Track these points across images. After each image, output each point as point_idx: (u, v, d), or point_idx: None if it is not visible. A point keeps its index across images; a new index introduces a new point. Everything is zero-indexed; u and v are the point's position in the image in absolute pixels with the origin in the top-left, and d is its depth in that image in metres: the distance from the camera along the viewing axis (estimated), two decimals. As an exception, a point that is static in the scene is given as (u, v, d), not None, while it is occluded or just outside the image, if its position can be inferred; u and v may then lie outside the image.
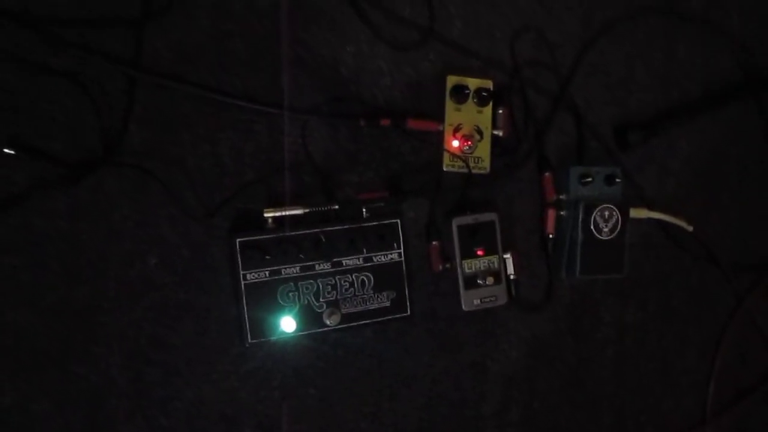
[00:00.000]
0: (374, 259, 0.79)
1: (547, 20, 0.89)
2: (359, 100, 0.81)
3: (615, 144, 0.93)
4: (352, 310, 0.78)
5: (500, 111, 0.84)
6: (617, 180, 0.86)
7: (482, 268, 0.83)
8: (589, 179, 0.85)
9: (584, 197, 0.85)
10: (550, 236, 0.88)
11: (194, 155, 0.76)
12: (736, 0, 0.98)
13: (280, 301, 0.76)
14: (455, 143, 0.82)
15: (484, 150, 0.83)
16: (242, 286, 0.74)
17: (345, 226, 0.78)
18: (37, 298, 0.71)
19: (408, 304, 0.81)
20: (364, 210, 0.79)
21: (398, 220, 0.80)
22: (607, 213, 0.85)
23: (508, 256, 0.84)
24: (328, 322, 0.77)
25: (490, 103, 0.83)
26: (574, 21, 0.90)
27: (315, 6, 0.80)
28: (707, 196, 0.98)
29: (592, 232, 0.85)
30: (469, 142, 0.81)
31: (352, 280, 0.78)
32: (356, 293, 0.78)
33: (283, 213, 0.76)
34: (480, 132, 0.83)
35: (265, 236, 0.75)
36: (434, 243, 0.82)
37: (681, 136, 0.96)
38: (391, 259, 0.80)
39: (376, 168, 0.82)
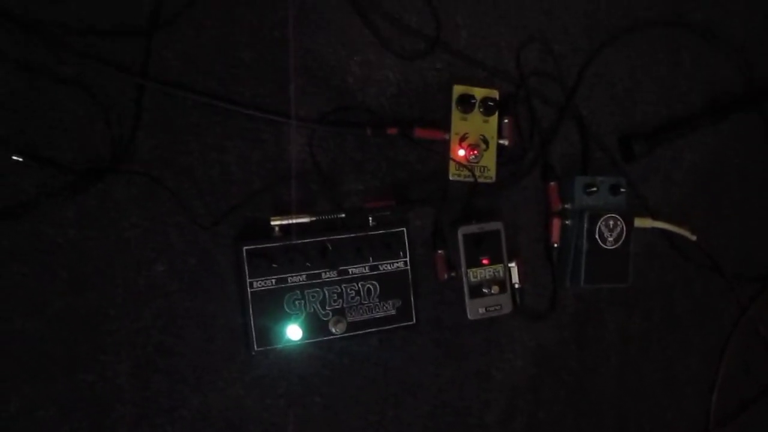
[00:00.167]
0: (380, 268, 0.79)
1: (552, 31, 0.90)
2: (366, 109, 0.81)
3: (619, 154, 0.93)
4: (358, 318, 0.78)
5: (506, 120, 0.84)
6: (622, 190, 0.86)
7: (487, 276, 0.83)
8: (594, 189, 0.85)
9: (589, 207, 0.86)
10: (555, 245, 0.88)
11: (202, 163, 0.76)
12: (740, 12, 0.99)
13: (287, 309, 0.76)
14: (461, 152, 0.83)
15: (490, 159, 0.84)
16: (249, 294, 0.75)
17: (351, 235, 0.78)
18: (45, 306, 0.71)
19: (413, 312, 0.81)
20: (370, 218, 0.79)
21: (404, 229, 0.80)
22: (611, 222, 0.85)
23: (513, 265, 0.85)
24: (334, 331, 0.77)
25: (496, 113, 0.83)
26: (579, 32, 0.91)
27: (322, 15, 0.80)
28: (711, 206, 0.99)
29: (597, 241, 0.85)
30: (475, 152, 0.82)
31: (358, 288, 0.78)
32: (362, 301, 0.79)
33: (290, 221, 0.76)
34: (486, 141, 0.83)
35: (271, 244, 0.75)
36: (440, 252, 0.83)
37: (685, 147, 0.97)
38: (397, 267, 0.80)
39: (382, 177, 0.82)
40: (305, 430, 0.80)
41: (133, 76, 0.73)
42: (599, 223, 0.85)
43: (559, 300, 0.90)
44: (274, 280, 0.75)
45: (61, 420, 0.71)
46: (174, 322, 0.75)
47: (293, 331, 0.76)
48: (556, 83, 0.90)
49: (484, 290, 0.82)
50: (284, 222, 0.76)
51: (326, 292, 0.77)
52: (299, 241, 0.76)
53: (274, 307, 0.75)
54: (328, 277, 0.77)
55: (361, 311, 0.78)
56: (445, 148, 0.83)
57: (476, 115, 0.83)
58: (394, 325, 0.80)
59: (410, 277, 0.80)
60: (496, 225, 0.83)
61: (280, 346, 0.76)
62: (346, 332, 0.77)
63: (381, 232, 0.79)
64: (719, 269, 0.97)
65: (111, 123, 0.73)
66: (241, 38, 0.77)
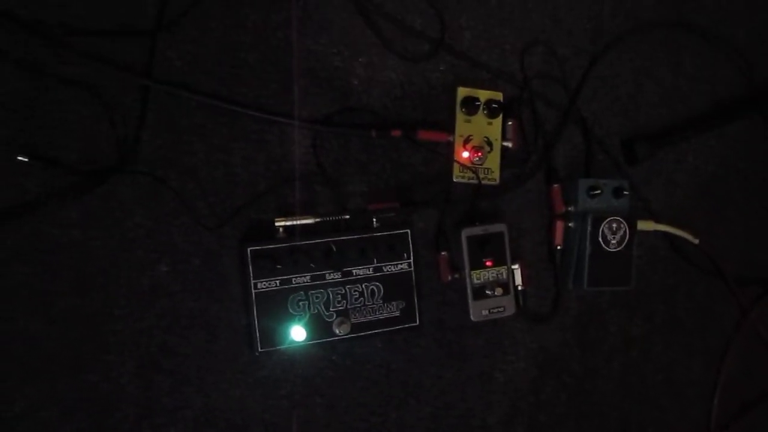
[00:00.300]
0: (384, 269, 0.79)
1: (556, 34, 0.90)
2: (370, 111, 0.82)
3: (623, 157, 0.93)
4: (362, 319, 0.78)
5: (510, 123, 0.84)
6: (625, 192, 0.87)
7: (491, 278, 0.83)
8: (598, 191, 0.86)
9: (592, 209, 0.86)
10: (558, 248, 0.88)
11: (206, 164, 0.76)
12: (743, 15, 1.00)
13: (291, 310, 0.76)
14: (465, 154, 0.83)
15: (493, 161, 0.84)
16: (253, 294, 0.75)
17: (355, 236, 0.78)
18: (48, 306, 0.71)
19: (417, 314, 0.81)
20: (374, 220, 0.79)
21: (408, 231, 0.81)
22: (615, 225, 0.85)
23: (516, 267, 0.85)
24: (337, 332, 0.77)
25: (500, 115, 0.84)
26: (582, 35, 0.91)
27: (326, 17, 0.80)
28: (713, 209, 0.99)
29: (600, 244, 0.85)
30: (479, 154, 0.82)
31: (362, 289, 0.79)
32: (366, 303, 0.79)
33: (294, 222, 0.76)
34: (490, 143, 0.83)
35: (276, 245, 0.75)
36: (443, 253, 0.83)
37: (688, 150, 0.97)
38: (401, 269, 0.80)
39: (386, 178, 0.82)
40: (308, 431, 0.80)
41: (137, 76, 0.73)
42: (602, 226, 0.85)
43: (561, 302, 0.90)
44: (278, 281, 0.76)
45: (64, 420, 0.71)
46: (178, 322, 0.75)
47: (297, 332, 0.76)
48: (559, 86, 0.90)
49: (487, 292, 0.82)
50: (288, 223, 0.76)
51: (330, 293, 0.77)
52: (303, 242, 0.76)
53: (278, 308, 0.75)
54: (332, 279, 0.77)
55: (364, 312, 0.79)
56: (448, 150, 0.83)
57: (480, 118, 0.83)
58: (398, 327, 0.80)
59: (414, 278, 0.81)
60: (499, 227, 0.83)
61: (283, 346, 0.76)
62: (349, 333, 0.77)
63: (385, 233, 0.79)
64: (721, 272, 0.97)
65: (115, 123, 0.73)
66: (245, 39, 0.77)
